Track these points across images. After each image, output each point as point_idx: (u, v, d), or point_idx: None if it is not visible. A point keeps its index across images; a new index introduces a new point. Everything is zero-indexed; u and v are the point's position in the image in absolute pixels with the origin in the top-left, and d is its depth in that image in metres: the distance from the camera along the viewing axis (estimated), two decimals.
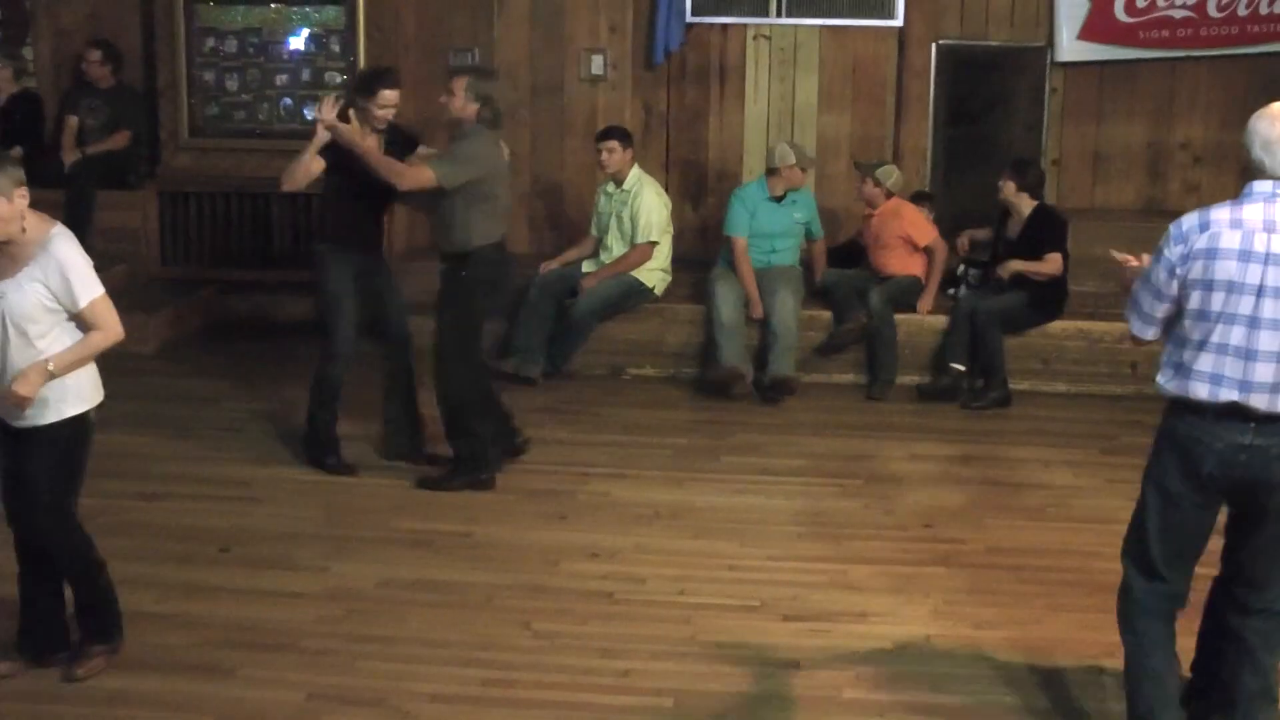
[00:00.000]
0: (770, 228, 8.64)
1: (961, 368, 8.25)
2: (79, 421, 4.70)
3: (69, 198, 9.33)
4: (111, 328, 4.65)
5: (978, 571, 5.87)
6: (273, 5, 9.55)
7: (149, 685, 4.80)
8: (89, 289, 4.59)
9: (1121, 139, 9.72)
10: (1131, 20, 9.47)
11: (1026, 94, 9.71)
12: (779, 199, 8.64)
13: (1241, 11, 9.34)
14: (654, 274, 8.68)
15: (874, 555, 6.02)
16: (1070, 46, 9.52)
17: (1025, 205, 8.26)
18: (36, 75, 10.03)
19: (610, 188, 8.69)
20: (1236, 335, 3.99)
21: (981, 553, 6.07)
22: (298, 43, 9.57)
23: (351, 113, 6.64)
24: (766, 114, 9.77)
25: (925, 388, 8.34)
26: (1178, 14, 9.42)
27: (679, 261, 8.92)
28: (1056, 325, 8.39)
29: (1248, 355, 3.98)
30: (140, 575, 5.56)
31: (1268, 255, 3.94)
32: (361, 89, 6.81)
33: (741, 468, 7.07)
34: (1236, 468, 4.08)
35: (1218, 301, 4.00)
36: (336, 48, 9.53)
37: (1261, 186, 4.02)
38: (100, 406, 4.80)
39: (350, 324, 6.84)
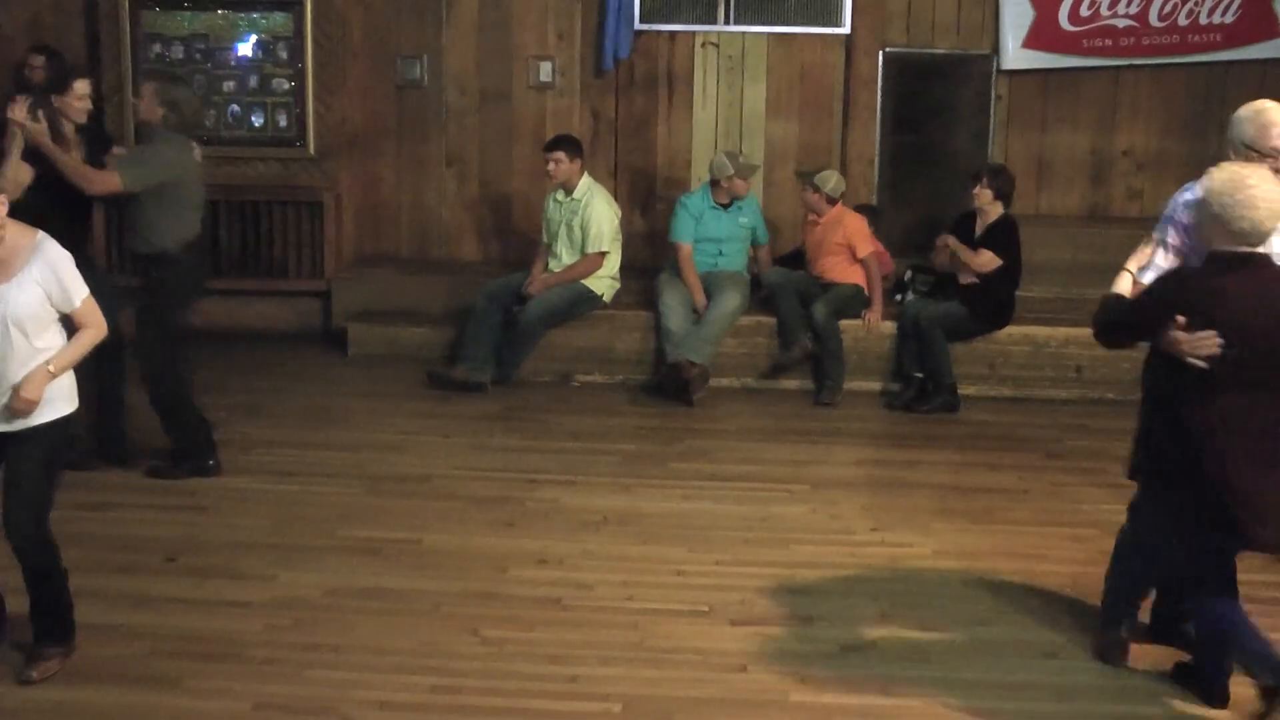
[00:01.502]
0: (717, 233, 8.70)
1: (920, 375, 8.32)
2: (68, 421, 4.88)
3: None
4: (100, 324, 4.88)
5: (923, 575, 5.92)
6: (220, 11, 9.49)
7: (95, 697, 4.77)
8: (80, 289, 4.81)
9: (1065, 146, 9.82)
10: (1075, 29, 9.58)
11: (972, 101, 9.80)
12: (725, 206, 8.69)
13: (1182, 21, 9.47)
14: (603, 281, 8.69)
15: (821, 560, 6.05)
16: (1015, 54, 9.62)
17: (994, 211, 8.32)
18: None
19: (560, 196, 8.70)
20: None
21: (928, 556, 6.12)
22: (245, 49, 9.51)
23: (41, 113, 6.59)
24: (714, 121, 9.81)
25: (893, 399, 8.38)
26: (1120, 23, 9.54)
27: (627, 268, 8.94)
28: (1002, 330, 8.46)
29: None
30: (86, 586, 5.49)
31: None
32: (55, 86, 6.86)
33: (689, 474, 7.09)
34: None
35: None
36: (284, 54, 9.48)
37: None
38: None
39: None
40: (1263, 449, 4.47)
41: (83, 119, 6.82)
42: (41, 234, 4.79)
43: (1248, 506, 4.48)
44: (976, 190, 8.28)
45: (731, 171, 8.62)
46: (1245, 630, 4.72)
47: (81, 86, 6.80)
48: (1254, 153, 4.71)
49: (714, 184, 8.70)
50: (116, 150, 7.05)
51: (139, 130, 6.94)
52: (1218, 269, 4.48)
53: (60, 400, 4.82)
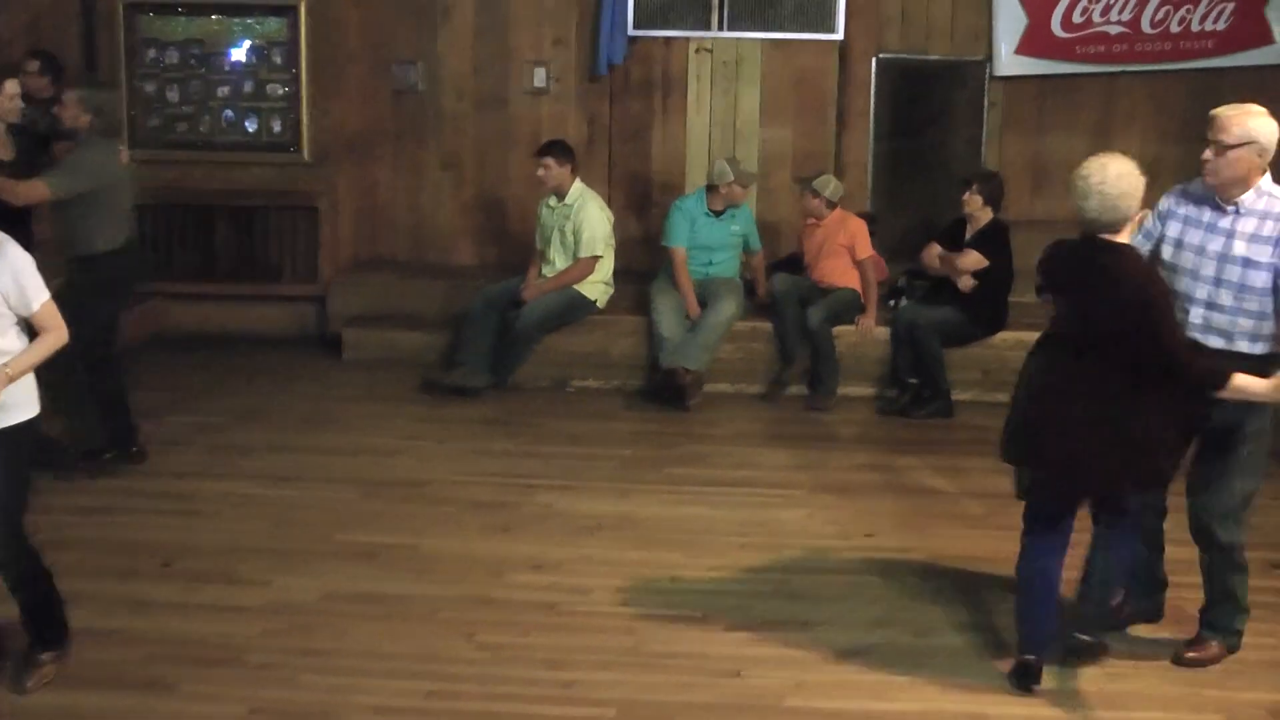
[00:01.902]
0: (708, 240, 8.72)
1: (915, 380, 8.34)
2: (32, 425, 4.76)
3: (6, 209, 9.24)
4: (61, 329, 4.75)
5: (920, 580, 5.93)
6: (215, 17, 9.51)
7: (91, 701, 4.77)
8: (40, 292, 4.70)
9: (1061, 152, 9.82)
10: (1068, 35, 9.61)
11: (966, 107, 9.82)
12: (718, 213, 8.71)
13: (1174, 28, 9.50)
14: (597, 287, 8.70)
15: (817, 564, 6.06)
16: (1009, 61, 9.64)
17: (984, 217, 8.35)
18: None
19: (553, 201, 8.71)
20: None
21: (924, 561, 6.13)
22: (240, 54, 9.53)
23: None
24: (709, 127, 9.82)
25: (888, 404, 8.40)
26: (1113, 30, 9.57)
27: (622, 274, 8.95)
28: (997, 335, 8.48)
29: None
30: (81, 591, 5.51)
31: None
32: None
33: (685, 479, 7.10)
34: None
35: None
36: (279, 59, 9.50)
37: None
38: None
39: None
40: (1089, 411, 4.79)
41: (14, 118, 6.89)
42: (2, 235, 4.73)
43: (1051, 460, 4.92)
44: (967, 196, 8.33)
45: (732, 178, 8.63)
46: (1031, 600, 5.09)
47: (11, 86, 6.87)
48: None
49: (710, 190, 8.71)
50: (60, 148, 7.10)
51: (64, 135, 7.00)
52: (1070, 246, 4.98)
53: (21, 405, 4.70)
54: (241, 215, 9.49)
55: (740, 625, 5.45)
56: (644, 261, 9.48)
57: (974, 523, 6.58)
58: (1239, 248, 4.92)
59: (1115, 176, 4.76)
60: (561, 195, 8.66)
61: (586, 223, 8.57)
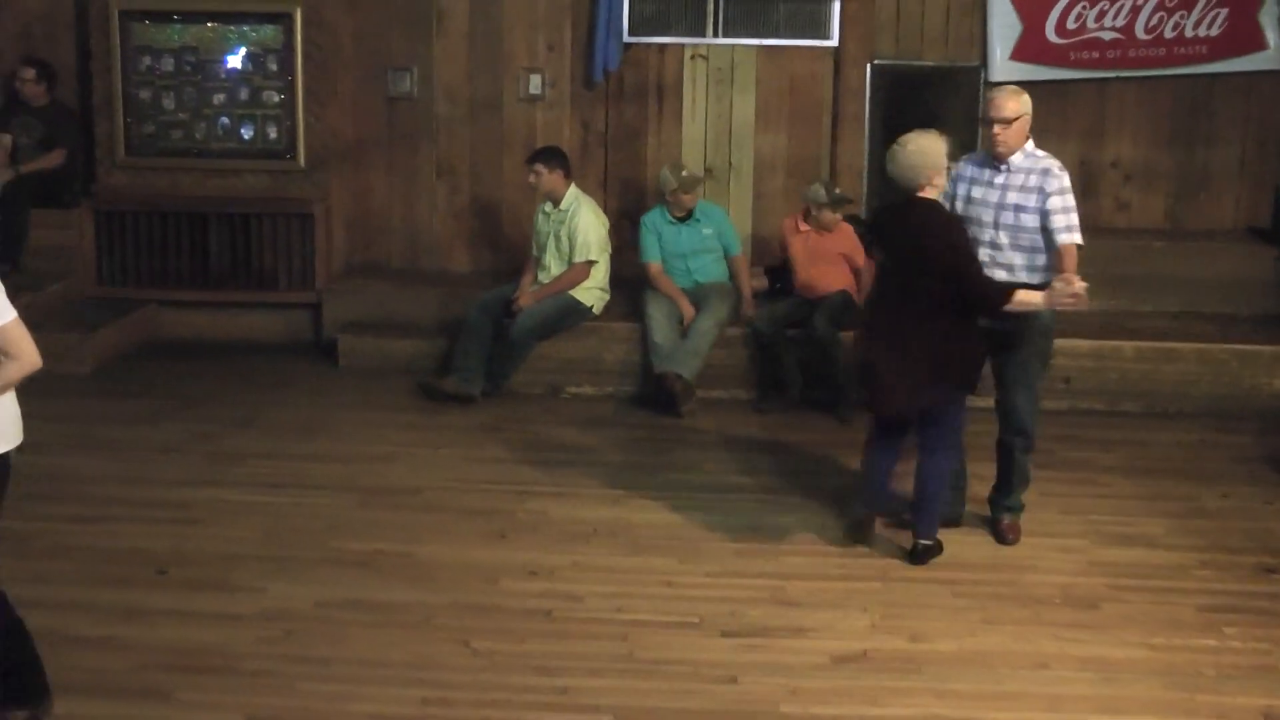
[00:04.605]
0: (679, 248, 8.71)
1: None
2: (2, 462, 4.43)
3: (3, 217, 9.27)
4: (26, 355, 4.32)
5: (914, 586, 5.94)
6: (210, 24, 9.50)
7: (85, 710, 4.76)
8: (2, 312, 4.28)
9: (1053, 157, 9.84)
10: (1062, 41, 9.62)
11: (960, 113, 9.80)
12: (682, 219, 8.70)
13: (1168, 34, 9.51)
14: (592, 293, 8.71)
15: (811, 570, 6.07)
16: (1003, 66, 9.64)
17: None
18: None
19: (548, 207, 8.72)
20: None
21: (918, 567, 6.13)
22: (235, 61, 9.52)
23: None
24: (704, 133, 9.83)
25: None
26: (1107, 35, 9.58)
27: (617, 280, 8.94)
28: None
29: None
30: (76, 599, 5.52)
31: None
32: None
33: (679, 485, 7.10)
34: None
35: None
36: (274, 67, 9.50)
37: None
38: (20, 448, 4.53)
39: None
40: (908, 337, 5.95)
41: None
42: None
43: (884, 383, 6.04)
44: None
45: (675, 185, 8.64)
46: (869, 481, 6.39)
47: None
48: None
49: (664, 198, 8.75)
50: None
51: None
52: (891, 206, 6.33)
53: None
54: (236, 222, 9.49)
55: (735, 631, 5.46)
56: (638, 268, 9.46)
57: (967, 529, 6.58)
58: (1011, 197, 6.14)
59: (911, 148, 5.98)
60: (557, 201, 8.66)
61: (581, 228, 8.57)
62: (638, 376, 8.64)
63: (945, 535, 6.38)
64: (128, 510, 6.63)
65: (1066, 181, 6.14)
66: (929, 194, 6.03)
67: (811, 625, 5.52)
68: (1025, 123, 6.15)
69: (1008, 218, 6.16)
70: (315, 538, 6.33)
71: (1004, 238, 6.17)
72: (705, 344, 8.42)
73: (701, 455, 7.61)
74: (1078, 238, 6.10)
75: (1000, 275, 6.14)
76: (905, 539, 6.31)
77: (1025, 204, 6.12)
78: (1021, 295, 5.92)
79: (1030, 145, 6.21)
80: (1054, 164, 6.18)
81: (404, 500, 6.84)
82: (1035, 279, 6.11)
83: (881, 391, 6.08)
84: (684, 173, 8.76)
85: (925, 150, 6.02)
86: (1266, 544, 6.41)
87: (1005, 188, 6.18)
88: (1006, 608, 5.72)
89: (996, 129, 6.13)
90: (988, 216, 6.20)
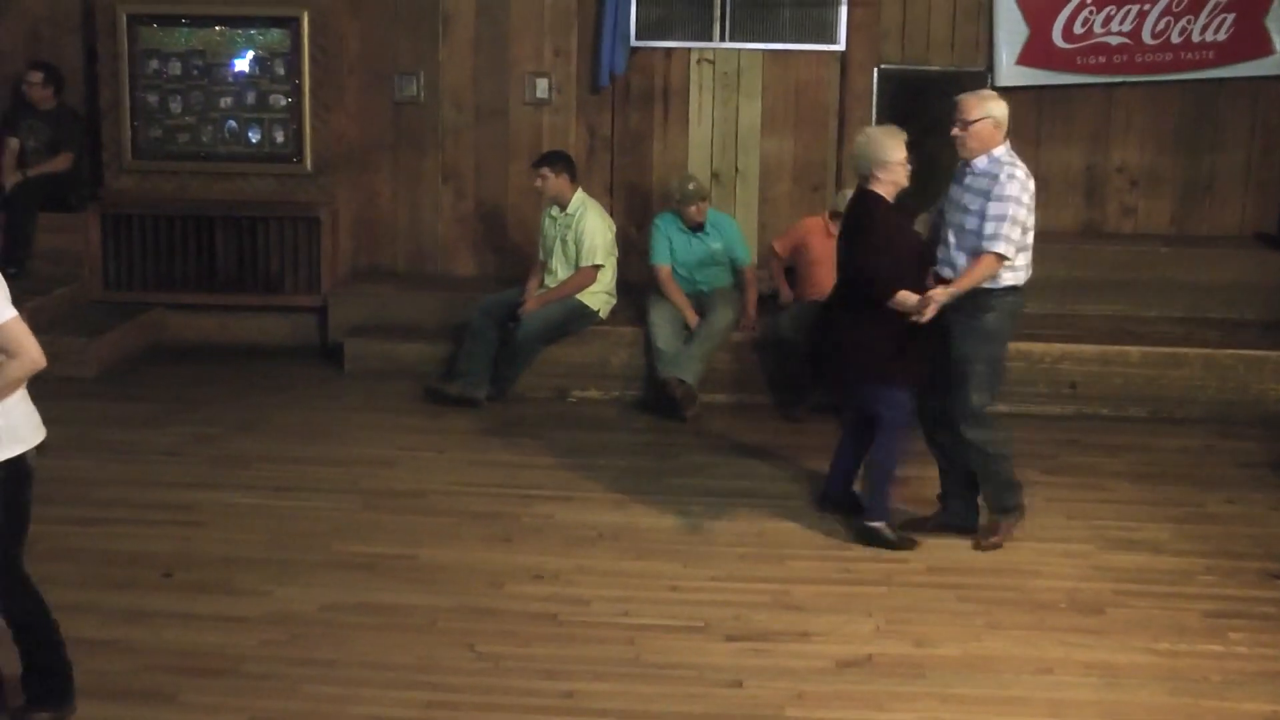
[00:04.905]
0: (687, 258, 8.68)
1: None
2: (14, 465, 4.43)
3: (10, 220, 9.29)
4: (28, 353, 4.31)
5: (918, 590, 5.93)
6: (217, 28, 9.51)
7: (90, 712, 4.76)
8: (1, 310, 4.27)
9: (1059, 163, 9.85)
10: (1069, 46, 9.61)
11: None
12: (694, 229, 8.66)
13: (1175, 39, 9.50)
14: (598, 297, 8.70)
15: (816, 575, 6.07)
16: (1009, 71, 9.64)
17: None
18: None
19: (555, 211, 8.72)
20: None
21: (922, 572, 6.13)
22: (242, 65, 9.53)
23: None
24: (710, 138, 9.83)
25: None
26: (1114, 40, 9.57)
27: (623, 284, 8.95)
28: None
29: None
30: (81, 601, 5.53)
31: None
32: None
33: (684, 489, 7.10)
34: None
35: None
36: (281, 70, 9.50)
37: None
38: (41, 448, 4.56)
39: None
40: (842, 328, 6.36)
41: None
42: None
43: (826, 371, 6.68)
44: None
45: (677, 199, 8.63)
46: (831, 465, 6.82)
47: None
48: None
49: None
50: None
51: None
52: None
53: (4, 442, 4.37)
54: (243, 226, 9.50)
55: (740, 636, 5.45)
56: (644, 273, 9.46)
57: (972, 534, 6.57)
58: (966, 198, 6.20)
59: (860, 140, 6.38)
60: (563, 205, 8.66)
61: (588, 232, 8.57)
62: (643, 381, 8.63)
63: (952, 542, 6.39)
64: (132, 513, 6.64)
65: (1014, 190, 6.08)
66: (878, 187, 6.22)
67: (816, 630, 5.52)
68: (988, 126, 6.14)
69: (957, 218, 6.23)
70: (320, 541, 6.33)
71: (952, 237, 6.25)
72: (708, 349, 8.41)
73: (707, 459, 7.60)
74: (999, 247, 6.05)
75: (947, 274, 6.23)
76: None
77: (971, 206, 6.16)
78: (900, 296, 6.09)
79: (1000, 150, 6.19)
80: (1016, 170, 6.13)
81: (409, 504, 6.84)
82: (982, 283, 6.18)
83: (827, 379, 6.60)
84: (690, 185, 8.69)
85: (871, 143, 6.27)
86: (1272, 550, 6.40)
87: (966, 189, 6.23)
88: (1011, 613, 5.71)
89: (955, 130, 6.21)
90: (949, 215, 6.32)
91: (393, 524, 6.57)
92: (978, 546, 6.38)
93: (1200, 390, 8.46)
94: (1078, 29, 9.58)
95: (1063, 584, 6.00)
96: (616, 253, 8.83)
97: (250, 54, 9.52)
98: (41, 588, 5.35)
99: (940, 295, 6.04)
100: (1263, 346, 8.59)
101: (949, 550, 6.35)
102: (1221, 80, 9.60)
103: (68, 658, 4.71)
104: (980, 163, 6.18)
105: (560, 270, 8.70)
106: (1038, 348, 8.50)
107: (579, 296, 8.63)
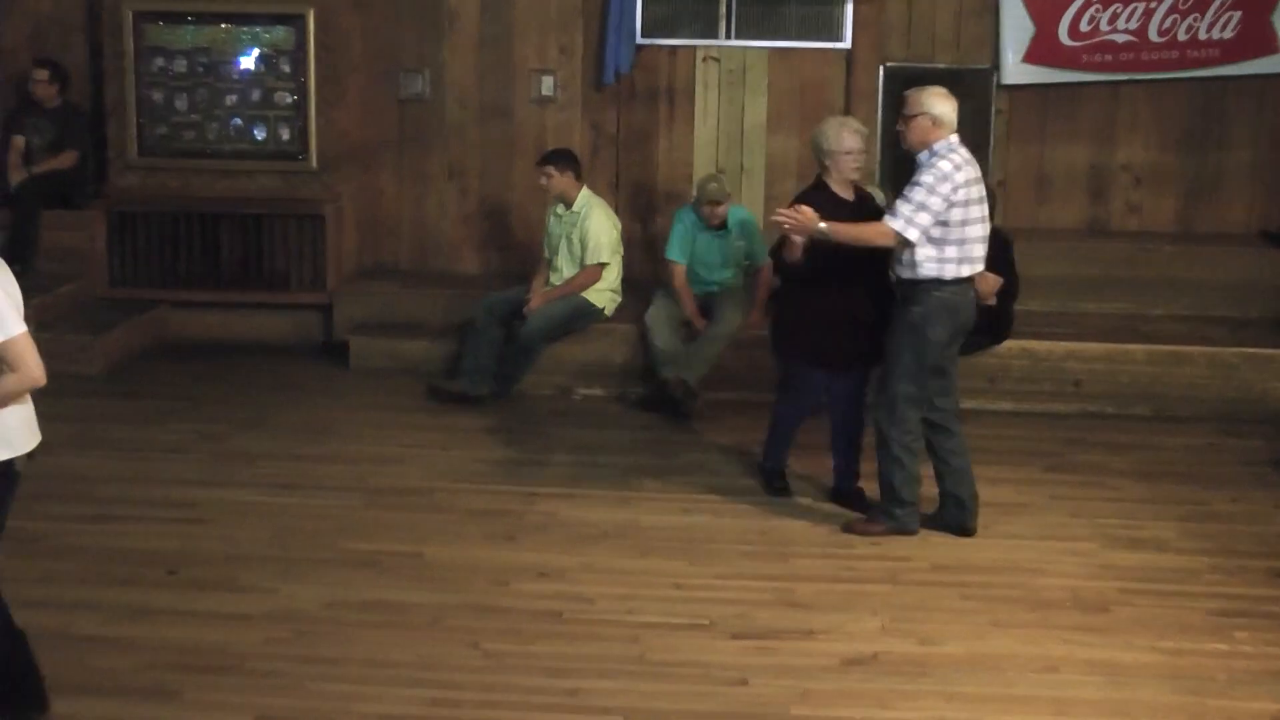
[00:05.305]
0: (707, 257, 8.64)
1: None
2: (4, 469, 4.38)
3: (15, 218, 9.30)
4: (28, 370, 4.28)
5: (923, 589, 5.92)
6: (222, 25, 9.52)
7: (94, 709, 4.77)
8: (6, 326, 4.24)
9: (1064, 161, 9.84)
10: (1075, 44, 9.61)
11: (972, 116, 9.75)
12: (716, 227, 8.63)
13: (1181, 36, 9.49)
14: (604, 295, 8.70)
15: (821, 573, 6.06)
16: (1015, 69, 9.64)
17: None
18: None
19: (560, 209, 8.72)
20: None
21: (927, 570, 6.12)
22: (247, 63, 9.53)
23: None
24: (715, 135, 9.83)
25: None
26: (1120, 38, 9.56)
27: (628, 282, 8.94)
28: (1002, 344, 8.47)
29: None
30: (85, 598, 5.53)
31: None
32: None
33: (689, 487, 7.10)
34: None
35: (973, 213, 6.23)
36: (286, 68, 9.51)
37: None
38: (32, 455, 4.49)
39: None
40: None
41: None
42: None
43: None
44: None
45: (698, 197, 8.59)
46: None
47: None
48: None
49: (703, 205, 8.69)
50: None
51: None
52: None
53: None
54: (248, 223, 9.50)
55: (744, 634, 5.45)
56: (649, 270, 9.48)
57: (977, 531, 6.57)
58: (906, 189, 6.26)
59: (815, 131, 6.64)
60: (569, 203, 8.66)
61: (592, 230, 8.57)
62: (646, 378, 8.63)
63: (956, 543, 6.39)
64: (137, 510, 6.64)
65: (928, 177, 6.12)
66: (827, 176, 6.55)
67: (821, 628, 5.52)
68: (924, 122, 6.21)
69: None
70: (324, 538, 6.33)
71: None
72: (715, 350, 8.38)
73: (710, 457, 7.60)
74: (898, 225, 6.12)
75: (897, 268, 6.39)
76: (911, 536, 6.37)
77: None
78: (780, 215, 6.29)
79: (941, 145, 6.21)
80: (942, 162, 6.15)
81: (413, 501, 6.84)
82: (906, 273, 6.26)
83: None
84: (711, 185, 8.59)
85: (820, 134, 6.59)
86: (1276, 548, 6.39)
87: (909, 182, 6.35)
88: (1015, 611, 5.70)
89: (898, 123, 6.37)
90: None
91: (397, 521, 6.57)
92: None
93: (1205, 388, 8.45)
94: (1084, 27, 9.57)
95: (1067, 582, 6.00)
96: (621, 250, 8.83)
97: (255, 51, 9.53)
98: (45, 585, 5.40)
99: (809, 213, 6.18)
100: (1268, 345, 8.58)
101: (953, 548, 6.35)
102: (1227, 78, 9.59)
103: (36, 663, 4.60)
104: (922, 156, 6.26)
105: (565, 268, 8.70)
106: (1042, 345, 8.49)
107: (584, 294, 8.62)
